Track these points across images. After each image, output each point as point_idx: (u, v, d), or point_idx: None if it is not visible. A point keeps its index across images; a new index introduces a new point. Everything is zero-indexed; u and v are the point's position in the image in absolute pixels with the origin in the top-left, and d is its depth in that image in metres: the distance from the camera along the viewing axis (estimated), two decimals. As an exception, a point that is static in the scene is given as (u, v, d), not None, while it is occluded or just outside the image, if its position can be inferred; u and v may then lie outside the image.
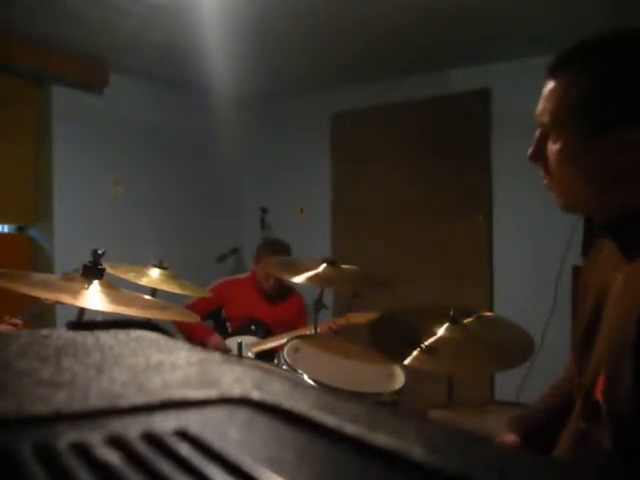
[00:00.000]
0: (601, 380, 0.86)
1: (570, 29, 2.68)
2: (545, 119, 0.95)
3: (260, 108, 4.48)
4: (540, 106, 0.97)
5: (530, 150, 0.99)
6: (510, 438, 1.21)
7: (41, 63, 3.41)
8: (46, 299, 1.93)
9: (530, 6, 2.83)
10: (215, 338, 2.97)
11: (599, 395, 0.85)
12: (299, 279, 2.19)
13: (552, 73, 0.95)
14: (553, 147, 0.94)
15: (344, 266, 2.31)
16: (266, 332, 3.00)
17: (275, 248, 3.15)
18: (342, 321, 2.78)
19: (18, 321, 2.17)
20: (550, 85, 0.95)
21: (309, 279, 2.18)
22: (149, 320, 1.49)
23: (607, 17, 2.60)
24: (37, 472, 0.24)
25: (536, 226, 3.48)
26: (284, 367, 1.97)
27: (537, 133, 0.98)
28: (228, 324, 3.15)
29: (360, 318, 2.74)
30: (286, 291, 3.22)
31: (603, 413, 0.84)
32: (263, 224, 4.43)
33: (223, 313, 3.19)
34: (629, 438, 0.82)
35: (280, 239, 3.36)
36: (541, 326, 3.12)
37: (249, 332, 3.02)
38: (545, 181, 0.99)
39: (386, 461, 0.28)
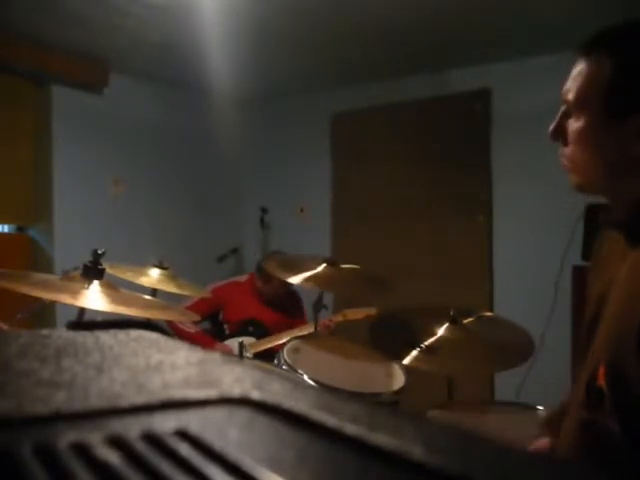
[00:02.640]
0: (602, 368, 0.85)
1: (570, 29, 2.68)
2: (569, 97, 0.96)
3: (260, 108, 4.48)
4: (567, 84, 0.98)
5: (551, 127, 1.00)
6: (543, 442, 1.17)
7: (41, 63, 3.41)
8: (45, 299, 1.92)
9: (530, 5, 2.83)
10: (220, 346, 2.90)
11: (602, 382, 0.85)
12: (299, 280, 2.18)
13: (583, 52, 0.96)
14: (574, 125, 0.96)
15: (344, 266, 2.31)
16: (264, 333, 2.97)
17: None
18: (339, 317, 2.78)
19: (3, 326, 2.13)
20: (579, 64, 0.96)
21: (308, 280, 2.18)
22: (149, 320, 1.49)
23: (607, 16, 2.60)
24: (37, 472, 0.24)
25: (536, 226, 3.48)
26: (284, 367, 1.97)
27: (560, 111, 1.00)
28: (225, 326, 3.12)
29: (357, 314, 2.75)
30: (286, 294, 3.20)
31: (607, 400, 0.83)
32: (263, 224, 4.43)
33: (220, 316, 3.15)
34: (636, 423, 0.82)
35: (282, 252, 3.18)
36: (541, 326, 3.12)
37: (247, 334, 2.98)
38: (563, 159, 1.00)
39: (386, 461, 0.28)
